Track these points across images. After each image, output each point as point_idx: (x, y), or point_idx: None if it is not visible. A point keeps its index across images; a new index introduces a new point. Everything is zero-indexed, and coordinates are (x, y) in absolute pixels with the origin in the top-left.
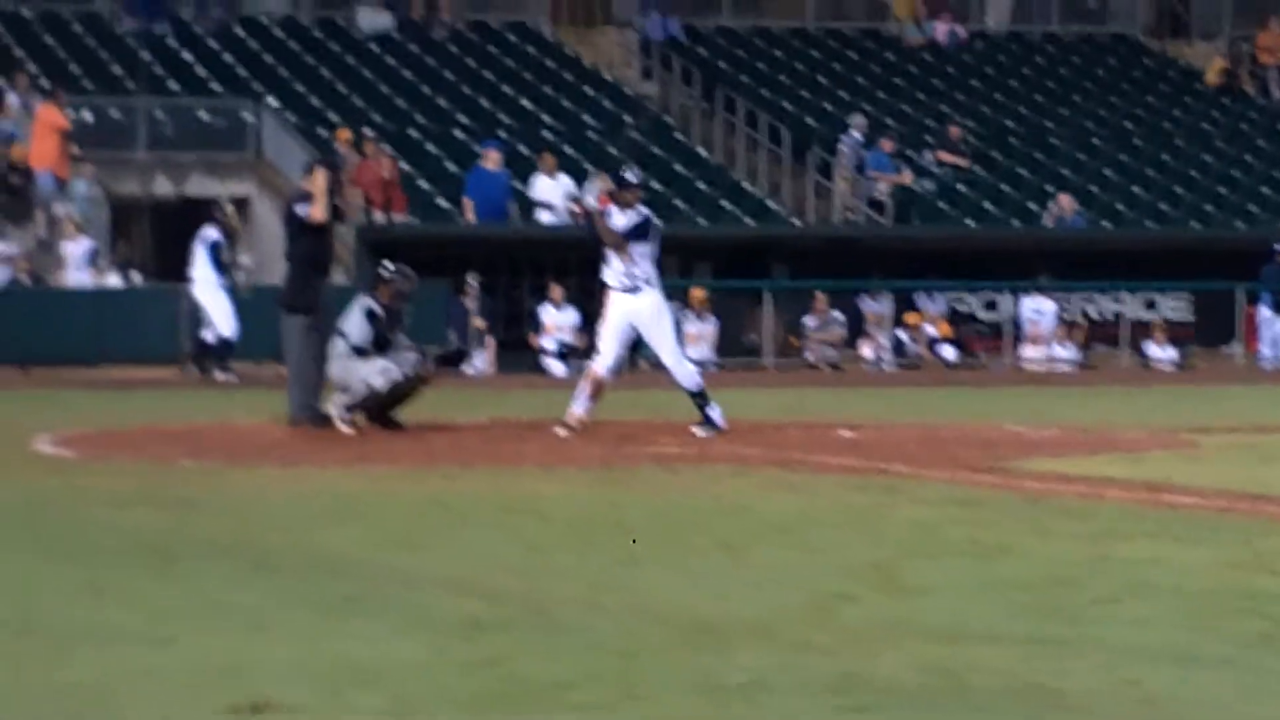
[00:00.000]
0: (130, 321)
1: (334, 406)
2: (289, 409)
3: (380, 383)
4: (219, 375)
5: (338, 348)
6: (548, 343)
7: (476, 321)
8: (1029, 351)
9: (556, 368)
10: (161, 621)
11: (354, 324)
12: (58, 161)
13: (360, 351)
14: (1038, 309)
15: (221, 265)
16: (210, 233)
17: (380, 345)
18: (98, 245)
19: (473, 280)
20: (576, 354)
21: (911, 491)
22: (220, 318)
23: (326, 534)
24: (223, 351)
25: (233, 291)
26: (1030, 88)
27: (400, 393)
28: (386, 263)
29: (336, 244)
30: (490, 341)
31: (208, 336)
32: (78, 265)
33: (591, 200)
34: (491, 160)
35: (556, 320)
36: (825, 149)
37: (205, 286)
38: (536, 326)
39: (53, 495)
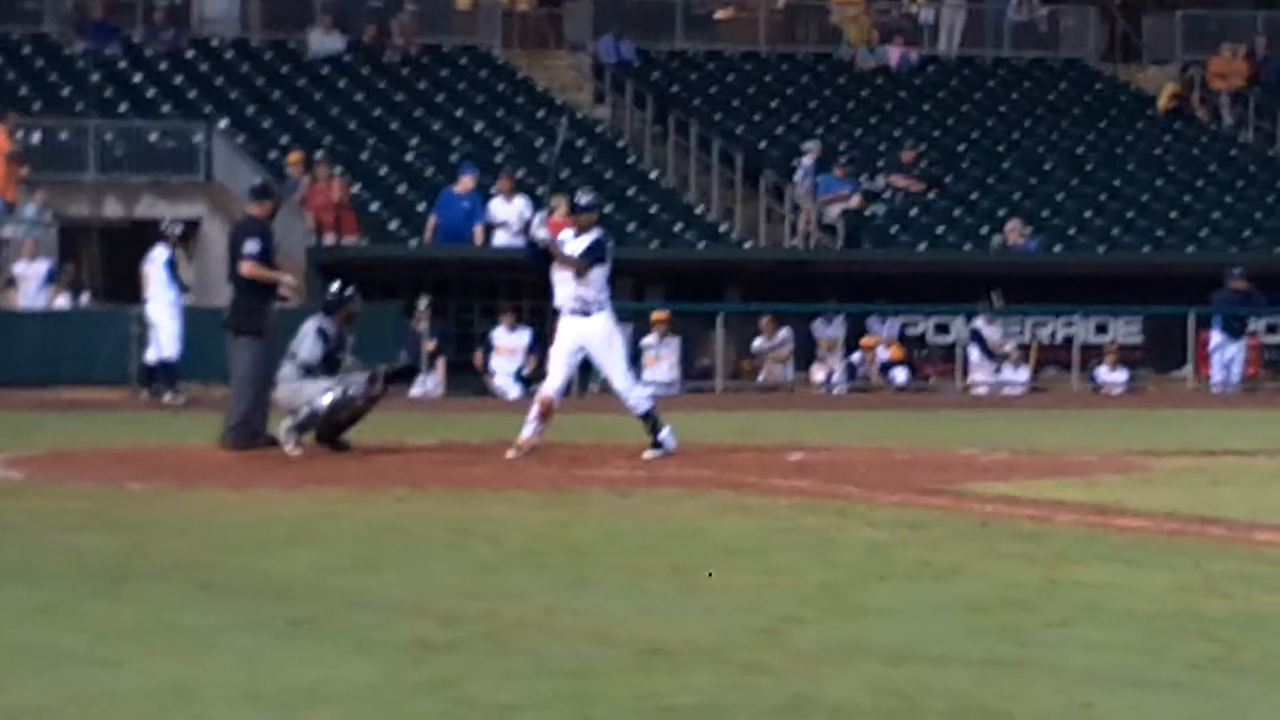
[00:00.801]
0: (80, 343)
1: (282, 429)
2: (223, 427)
3: (325, 401)
4: (167, 396)
5: (284, 370)
6: (499, 365)
7: (428, 344)
8: (978, 375)
9: (509, 390)
10: (111, 643)
11: (305, 343)
12: (4, 184)
13: (308, 370)
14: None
15: (180, 282)
16: (162, 251)
17: (329, 364)
18: (55, 266)
19: (423, 304)
20: (528, 377)
21: (863, 514)
22: (167, 339)
23: (277, 556)
24: (167, 372)
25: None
26: (982, 112)
27: (349, 412)
28: (337, 285)
29: (287, 266)
30: (440, 364)
31: (150, 357)
32: (36, 286)
33: (543, 232)
34: (463, 184)
35: (508, 343)
36: (778, 173)
37: (160, 306)
38: (488, 349)
39: (3, 517)
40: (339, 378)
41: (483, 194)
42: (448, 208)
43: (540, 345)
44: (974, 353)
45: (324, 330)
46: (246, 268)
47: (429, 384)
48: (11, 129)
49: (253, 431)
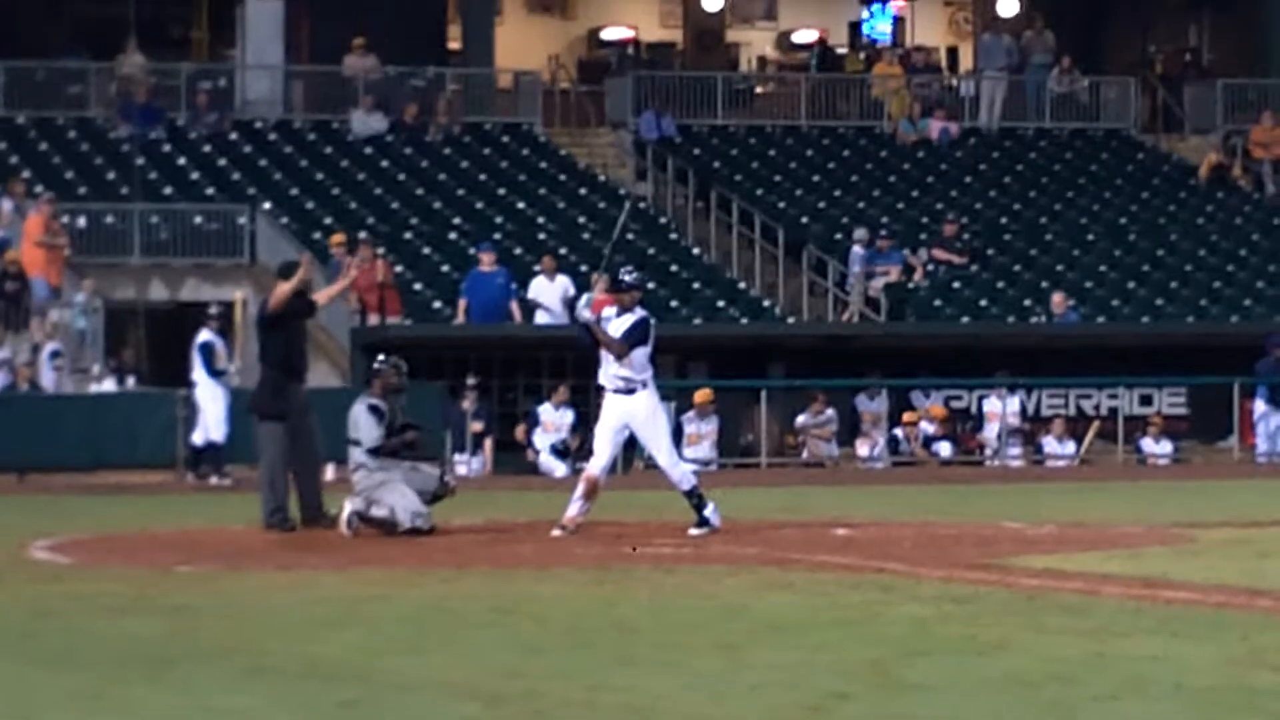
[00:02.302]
0: (125, 427)
1: (349, 506)
2: (262, 515)
3: (406, 520)
4: (213, 479)
5: (355, 457)
6: (544, 441)
7: (474, 425)
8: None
9: (555, 468)
10: None
11: (362, 427)
12: (45, 268)
13: (376, 452)
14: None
15: (213, 368)
16: (202, 335)
17: (393, 434)
18: (60, 348)
19: (470, 382)
20: (572, 454)
21: (908, 590)
22: (213, 421)
23: (323, 639)
24: (213, 455)
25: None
26: (1024, 184)
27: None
28: (380, 356)
29: (331, 346)
30: (487, 444)
31: (197, 440)
32: (45, 367)
33: (587, 313)
34: (485, 261)
35: (554, 420)
36: (820, 248)
37: (201, 389)
38: (534, 424)
39: (49, 602)
40: (416, 476)
41: (523, 272)
42: (478, 286)
43: (583, 425)
44: (990, 428)
45: (375, 406)
46: (275, 299)
47: (474, 464)
48: (50, 216)
49: (288, 518)
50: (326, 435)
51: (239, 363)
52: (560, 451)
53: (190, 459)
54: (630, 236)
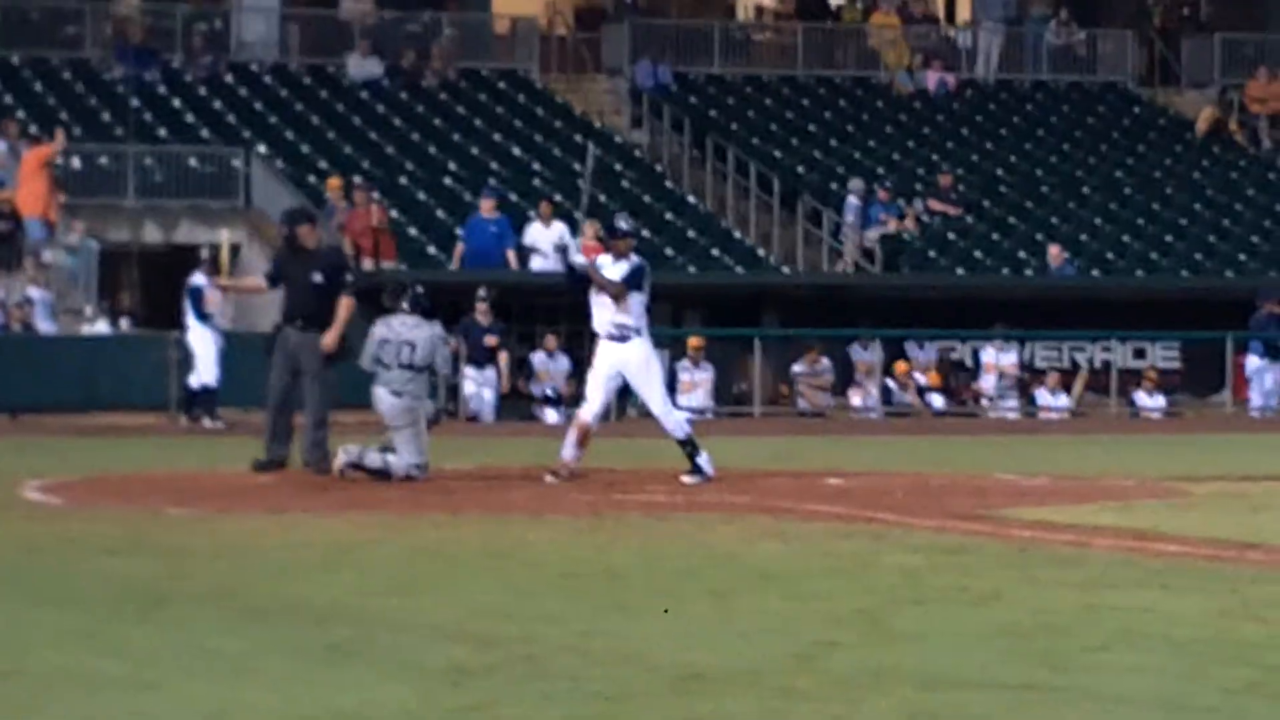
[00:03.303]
0: (119, 369)
1: (343, 456)
2: (309, 449)
3: (400, 472)
4: (207, 422)
5: (395, 384)
6: (539, 390)
7: (490, 339)
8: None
9: (548, 415)
10: (147, 667)
11: (438, 357)
12: (46, 206)
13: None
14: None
15: (201, 312)
16: (193, 279)
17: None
18: (49, 298)
19: (482, 292)
20: (566, 401)
21: (899, 539)
22: (204, 365)
23: (314, 581)
24: (206, 398)
25: (225, 336)
26: (1020, 136)
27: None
28: (390, 286)
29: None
30: (503, 359)
31: (192, 383)
32: (41, 314)
33: (580, 258)
34: (486, 208)
35: (548, 368)
36: (815, 197)
37: (193, 333)
38: (529, 374)
39: (41, 542)
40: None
41: (519, 219)
42: (476, 232)
43: (578, 371)
44: (987, 380)
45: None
46: (330, 339)
47: (489, 377)
48: (59, 149)
49: (311, 457)
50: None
51: (229, 307)
52: (552, 400)
53: (185, 401)
54: (623, 184)
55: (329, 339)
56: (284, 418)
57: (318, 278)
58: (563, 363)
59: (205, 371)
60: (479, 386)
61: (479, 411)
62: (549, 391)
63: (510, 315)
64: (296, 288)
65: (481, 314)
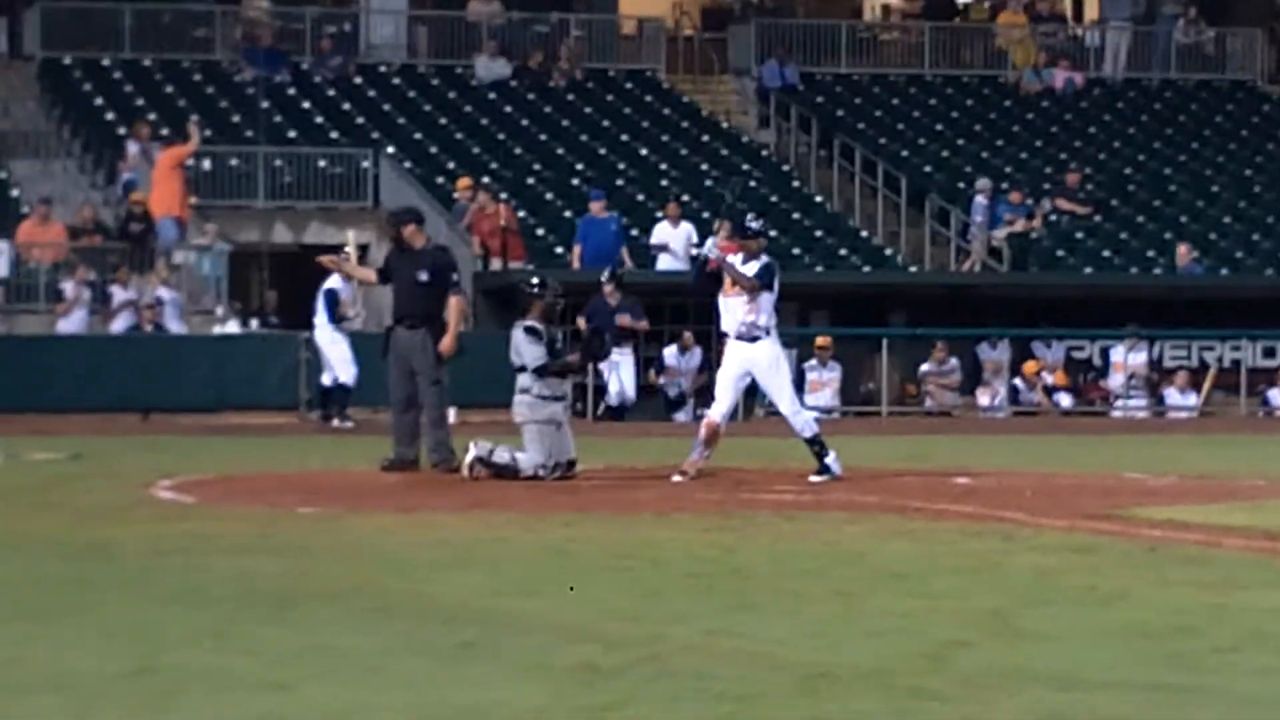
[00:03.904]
0: (249, 369)
1: (473, 450)
2: (432, 450)
3: (528, 469)
4: (336, 422)
5: (521, 382)
6: (670, 387)
7: (621, 319)
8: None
9: (678, 415)
10: (279, 667)
11: (523, 350)
12: (180, 205)
13: (541, 372)
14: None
15: (336, 315)
16: (329, 282)
17: (555, 355)
18: (179, 299)
19: (605, 275)
20: (696, 399)
21: (1029, 539)
22: (339, 363)
23: (443, 580)
24: (341, 396)
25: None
26: (1149, 135)
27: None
28: (534, 280)
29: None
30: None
31: (325, 381)
32: (171, 314)
33: (716, 252)
34: (596, 209)
35: (679, 364)
36: (943, 196)
37: (321, 333)
38: (660, 370)
39: (172, 542)
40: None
41: (646, 219)
42: (592, 232)
43: (709, 368)
44: (1115, 379)
45: (532, 328)
46: (448, 343)
47: (626, 353)
48: (194, 148)
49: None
50: (453, 377)
51: (362, 309)
52: (679, 400)
53: (317, 399)
54: (751, 184)
55: (446, 343)
56: (408, 418)
57: (424, 276)
58: (695, 358)
59: (342, 370)
60: (612, 369)
61: (621, 394)
62: (679, 386)
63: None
64: (404, 287)
65: (609, 295)
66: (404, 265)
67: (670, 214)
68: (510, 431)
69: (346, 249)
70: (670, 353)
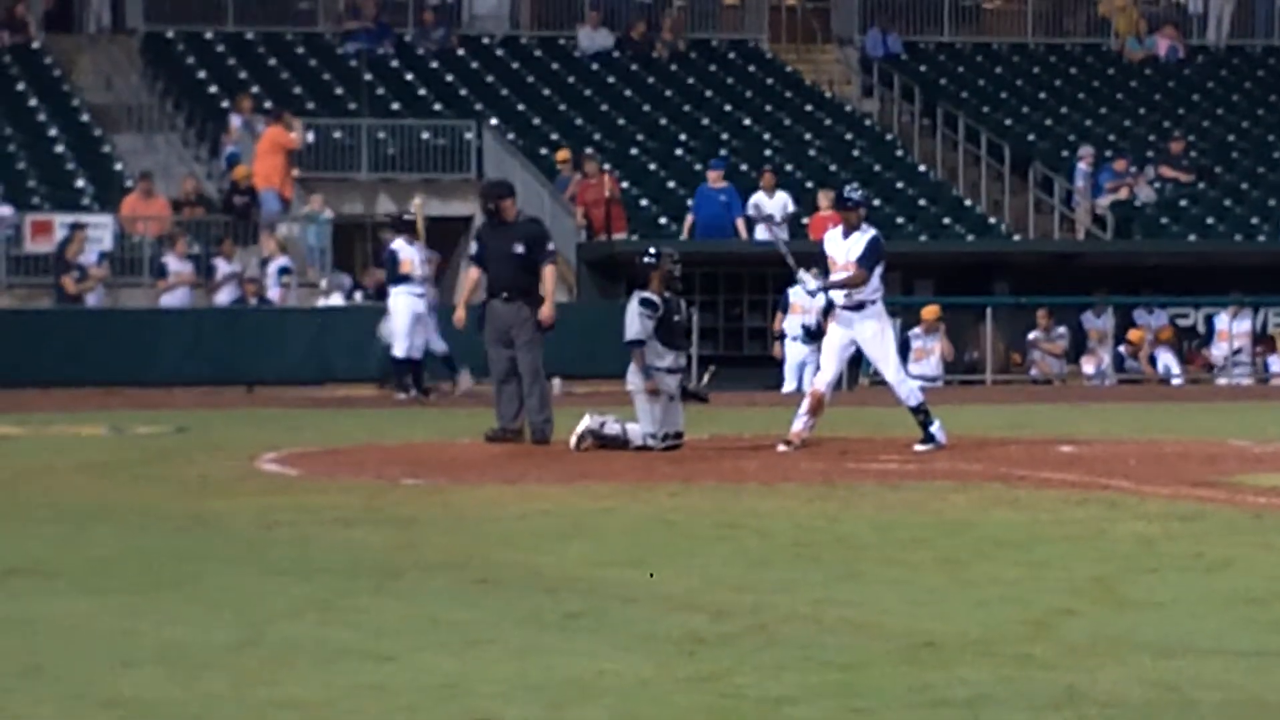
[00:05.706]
0: (352, 341)
1: (586, 421)
2: (533, 424)
3: (637, 440)
4: (399, 395)
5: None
6: (793, 325)
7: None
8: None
9: (794, 351)
10: (383, 637)
11: (628, 321)
12: (282, 180)
13: (632, 345)
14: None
15: (396, 275)
16: (392, 244)
17: (673, 331)
18: (289, 264)
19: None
20: (816, 332)
21: (1134, 507)
22: (397, 335)
23: (548, 551)
24: (399, 368)
25: (436, 310)
26: (1252, 102)
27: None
28: (651, 250)
29: (558, 262)
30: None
31: (396, 353)
32: (273, 281)
33: (814, 283)
34: (713, 179)
35: (802, 301)
36: (1047, 165)
37: (391, 299)
38: (784, 307)
39: (277, 514)
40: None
41: (751, 188)
42: (705, 203)
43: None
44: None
45: (648, 300)
46: (547, 311)
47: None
48: (288, 127)
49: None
50: (554, 349)
51: (430, 269)
52: (811, 333)
53: (387, 371)
54: (854, 153)
55: (545, 312)
56: (509, 389)
57: (519, 249)
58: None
59: (396, 341)
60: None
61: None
62: (808, 323)
63: (741, 284)
64: (499, 260)
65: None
66: (497, 239)
67: (765, 183)
68: (616, 403)
69: (411, 209)
70: (795, 289)
